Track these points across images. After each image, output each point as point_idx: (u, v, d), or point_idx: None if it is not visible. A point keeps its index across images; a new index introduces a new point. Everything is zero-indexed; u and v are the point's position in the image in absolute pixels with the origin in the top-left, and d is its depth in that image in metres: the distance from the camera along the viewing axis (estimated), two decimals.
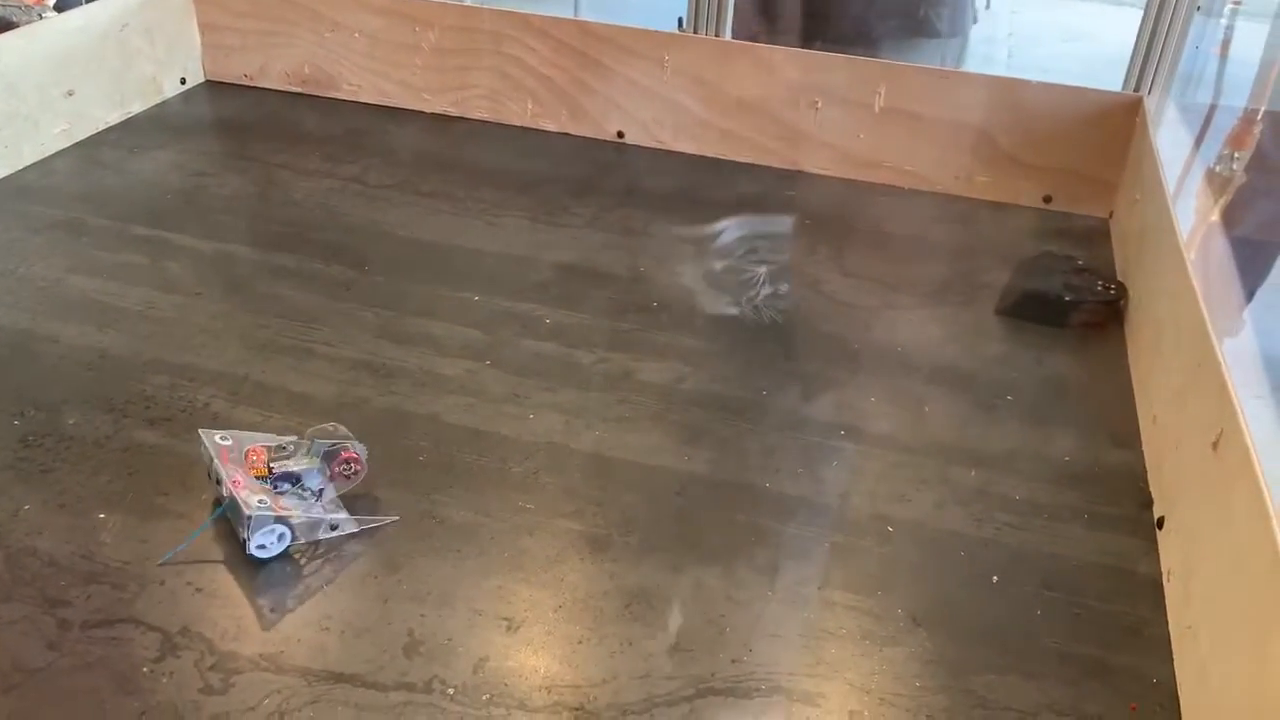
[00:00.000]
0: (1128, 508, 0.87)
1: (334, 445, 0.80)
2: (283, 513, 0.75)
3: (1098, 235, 1.32)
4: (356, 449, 0.80)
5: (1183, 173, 1.18)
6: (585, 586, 0.76)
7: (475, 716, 0.66)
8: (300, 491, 0.78)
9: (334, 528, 0.78)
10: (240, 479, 0.76)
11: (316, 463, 0.79)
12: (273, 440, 0.81)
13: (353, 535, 0.79)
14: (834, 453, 0.91)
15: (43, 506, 0.80)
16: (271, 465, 0.78)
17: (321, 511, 0.77)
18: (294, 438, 0.81)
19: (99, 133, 1.42)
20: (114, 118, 1.45)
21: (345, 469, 0.80)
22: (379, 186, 1.33)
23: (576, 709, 0.67)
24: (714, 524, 0.83)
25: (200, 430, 0.80)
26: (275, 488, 0.77)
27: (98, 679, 0.67)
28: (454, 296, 1.10)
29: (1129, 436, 0.96)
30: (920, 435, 0.94)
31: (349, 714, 0.66)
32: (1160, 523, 0.85)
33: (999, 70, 1.32)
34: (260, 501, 0.75)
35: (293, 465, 0.78)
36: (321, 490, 0.79)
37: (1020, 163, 1.36)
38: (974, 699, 0.70)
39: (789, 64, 1.39)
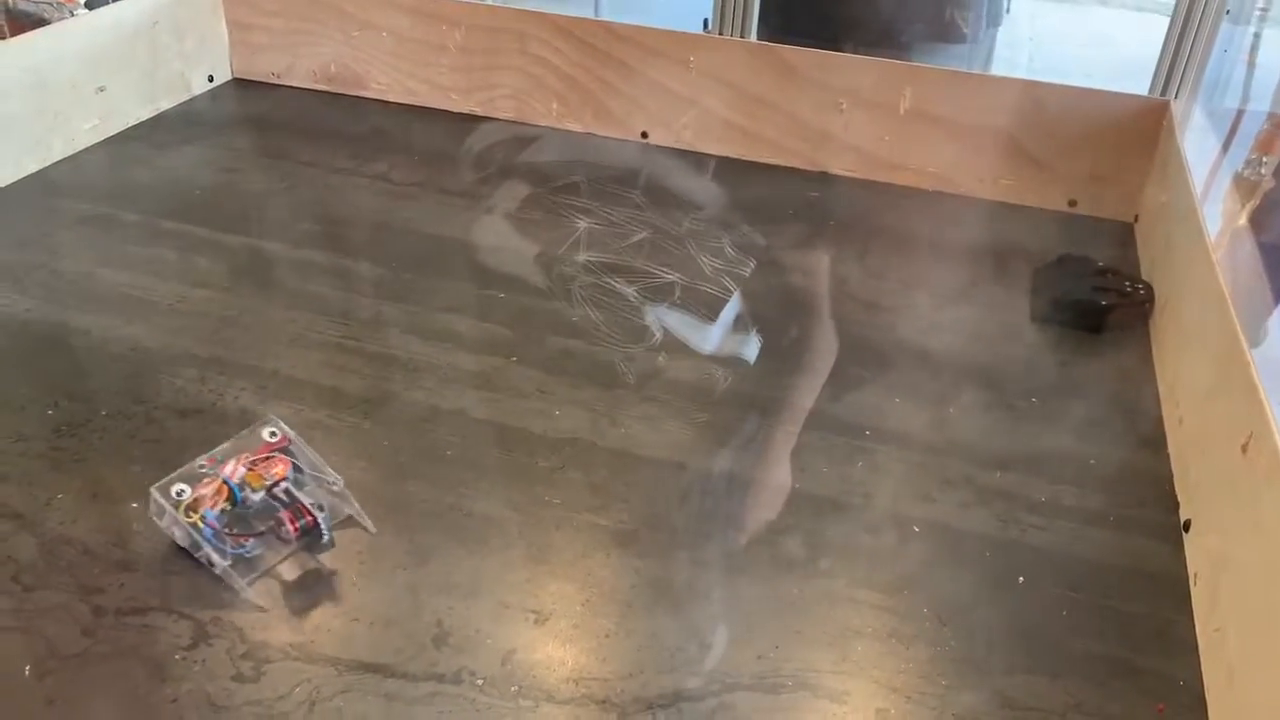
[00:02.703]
0: (1154, 510, 0.87)
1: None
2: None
3: (1123, 238, 1.31)
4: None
5: (1210, 176, 1.18)
6: (612, 581, 0.77)
7: (504, 708, 0.67)
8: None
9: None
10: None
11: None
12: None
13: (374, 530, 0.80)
14: (859, 453, 0.92)
15: (76, 495, 0.81)
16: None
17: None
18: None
19: (129, 129, 1.43)
20: (144, 114, 1.47)
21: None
22: (405, 184, 1.34)
23: (603, 701, 0.68)
24: (740, 522, 0.83)
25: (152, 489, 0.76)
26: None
27: (131, 665, 0.68)
28: (480, 293, 1.11)
29: (1155, 439, 0.96)
30: (945, 436, 0.94)
31: (379, 704, 0.66)
32: (1187, 526, 0.85)
33: (1020, 74, 1.32)
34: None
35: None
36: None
37: (1045, 166, 1.36)
38: (1000, 699, 0.70)
39: (814, 66, 1.39)
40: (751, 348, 0.99)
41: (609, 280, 1.12)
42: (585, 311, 1.06)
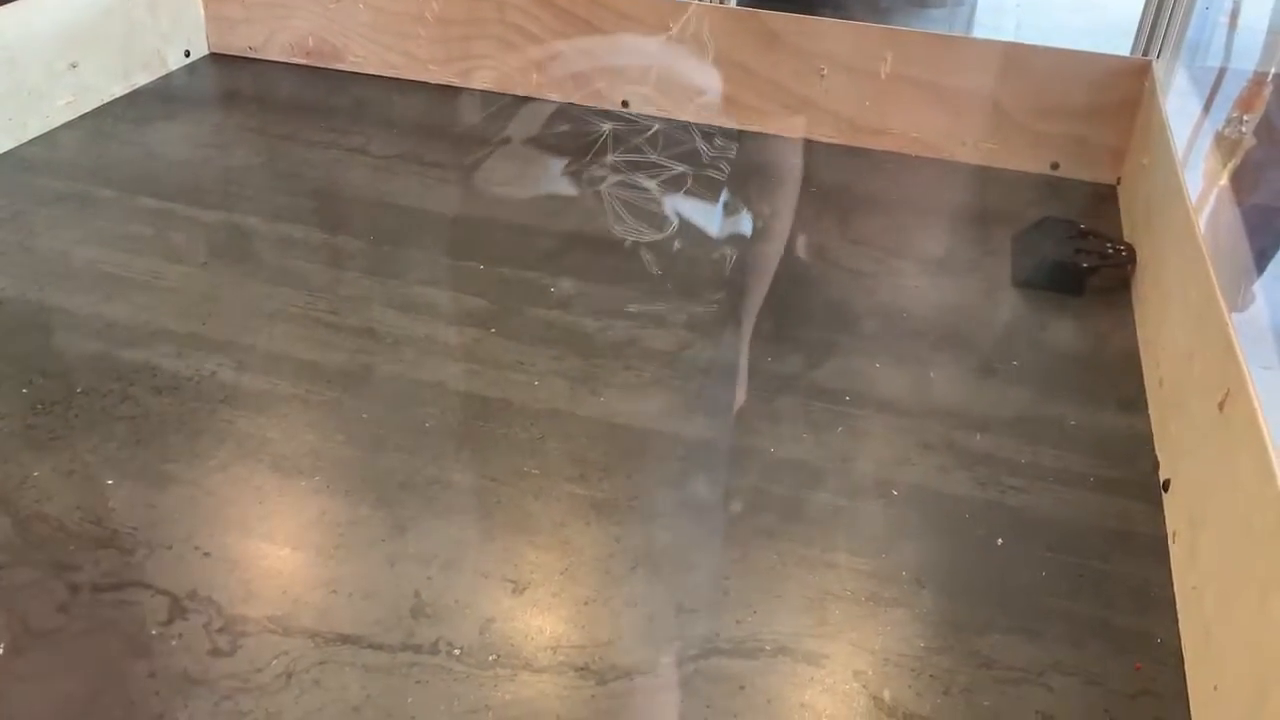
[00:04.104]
0: (1134, 471, 0.87)
1: None
2: None
3: (1105, 201, 1.31)
4: None
5: (1192, 137, 1.18)
6: (591, 549, 0.77)
7: (481, 677, 0.67)
8: None
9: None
10: None
11: None
12: None
13: None
14: (838, 417, 0.91)
15: (52, 473, 0.81)
16: None
17: None
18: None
19: (104, 105, 1.42)
20: (119, 90, 1.45)
21: None
22: (383, 157, 1.33)
23: (582, 669, 0.68)
24: (718, 488, 0.83)
25: None
26: None
27: (108, 641, 0.68)
28: (459, 265, 1.10)
29: (1135, 400, 0.96)
30: (925, 400, 0.94)
31: (356, 675, 0.66)
32: (1166, 485, 0.85)
33: (1008, 40, 1.32)
34: None
35: None
36: None
37: (1027, 129, 1.35)
38: (978, 659, 0.70)
39: (795, 31, 1.38)
40: (747, 224, 0.98)
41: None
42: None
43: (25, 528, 0.76)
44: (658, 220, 1.06)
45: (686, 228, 1.05)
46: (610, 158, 1.16)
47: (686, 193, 1.10)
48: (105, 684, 0.65)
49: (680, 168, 1.13)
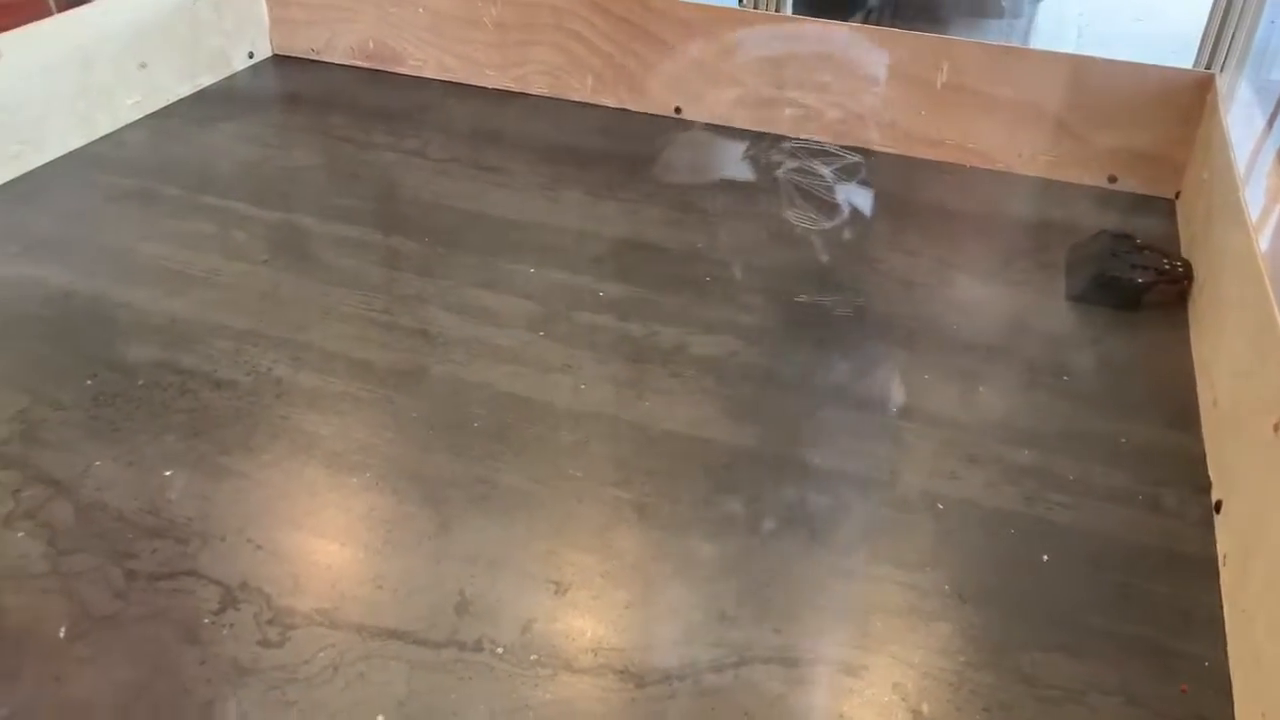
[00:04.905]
0: (1184, 491, 0.86)
1: None
2: None
3: (1163, 216, 1.29)
4: None
5: (1254, 152, 1.16)
6: (633, 553, 0.77)
7: (522, 676, 0.68)
8: None
9: None
10: None
11: None
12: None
13: None
14: (885, 429, 0.91)
15: (113, 463, 0.83)
16: None
17: None
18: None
19: (170, 105, 1.46)
20: (185, 90, 1.49)
21: None
22: (440, 160, 1.35)
23: (621, 671, 0.68)
24: (761, 496, 0.84)
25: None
26: None
27: (161, 628, 0.70)
28: (511, 269, 1.12)
29: (1188, 419, 0.94)
30: (974, 413, 0.94)
31: (401, 669, 0.68)
32: (1218, 506, 0.84)
33: (1068, 50, 1.30)
34: None
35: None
36: None
37: (1085, 141, 1.34)
38: (1019, 676, 0.70)
39: (850, 40, 1.37)
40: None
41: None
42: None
43: (86, 515, 0.78)
44: (830, 209, 1.07)
45: (857, 217, 1.06)
46: (788, 144, 1.18)
47: (859, 183, 1.11)
48: (159, 669, 0.67)
49: (853, 157, 1.14)
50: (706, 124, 1.46)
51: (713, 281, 1.11)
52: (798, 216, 0.99)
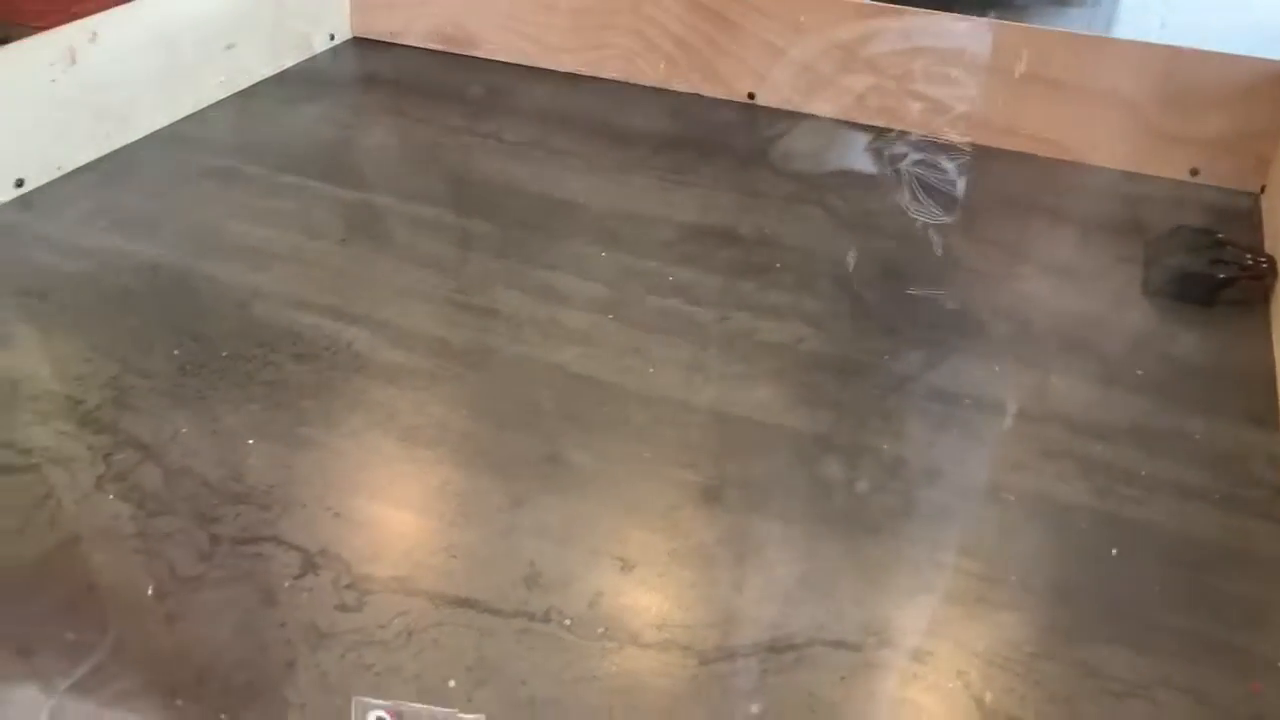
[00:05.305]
0: (1261, 489, 0.85)
1: None
2: None
3: (1246, 210, 1.26)
4: None
5: None
6: (699, 534, 0.78)
7: (590, 648, 0.69)
8: None
9: None
10: None
11: None
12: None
13: None
14: (954, 419, 0.91)
15: (198, 430, 0.86)
16: None
17: None
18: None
19: (253, 85, 1.49)
20: (267, 71, 1.52)
21: None
22: (514, 144, 1.37)
23: (686, 648, 0.70)
24: (828, 483, 0.84)
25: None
26: None
27: (244, 590, 0.72)
28: (582, 252, 1.13)
29: (1268, 417, 0.93)
30: (1045, 406, 0.93)
31: (471, 636, 0.69)
32: None
33: (1151, 40, 1.28)
34: None
35: None
36: None
37: (1166, 133, 1.31)
38: (1085, 669, 0.70)
39: (927, 27, 1.36)
40: None
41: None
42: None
43: (173, 480, 0.81)
44: (951, 203, 1.08)
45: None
46: (914, 136, 1.19)
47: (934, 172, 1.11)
48: (241, 630, 0.70)
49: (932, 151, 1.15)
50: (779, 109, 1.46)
51: (782, 268, 1.11)
52: (912, 207, 0.99)
